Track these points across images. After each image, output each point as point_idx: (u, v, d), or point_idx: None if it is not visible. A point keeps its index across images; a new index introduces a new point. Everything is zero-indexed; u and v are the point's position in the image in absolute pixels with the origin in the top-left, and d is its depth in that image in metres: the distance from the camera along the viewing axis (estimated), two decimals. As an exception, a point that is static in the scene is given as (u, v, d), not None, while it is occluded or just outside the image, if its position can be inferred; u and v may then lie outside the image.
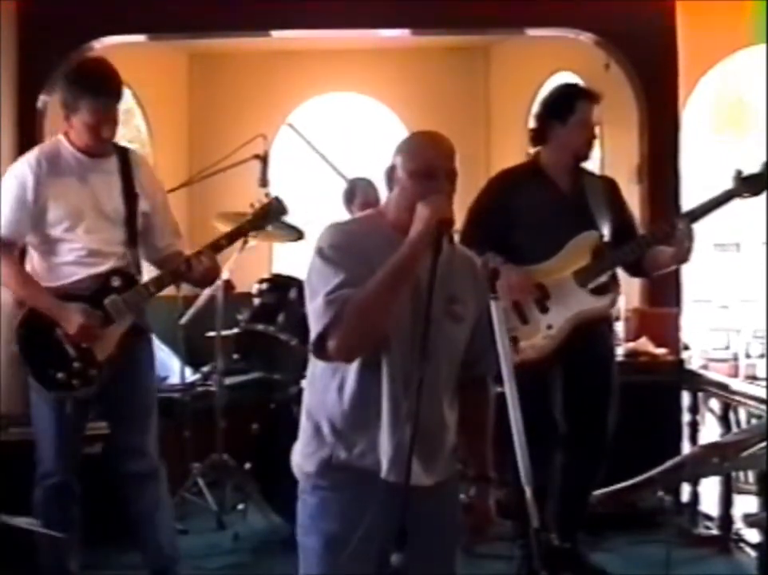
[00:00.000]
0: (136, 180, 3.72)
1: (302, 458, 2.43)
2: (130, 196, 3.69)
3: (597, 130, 4.12)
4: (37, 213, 3.60)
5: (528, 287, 3.94)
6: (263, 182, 4.73)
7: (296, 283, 4.77)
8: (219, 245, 3.69)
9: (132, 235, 3.68)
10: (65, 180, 3.63)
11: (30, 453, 3.71)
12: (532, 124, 4.20)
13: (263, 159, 4.74)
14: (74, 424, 3.69)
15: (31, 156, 3.69)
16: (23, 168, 3.65)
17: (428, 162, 2.35)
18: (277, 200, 3.83)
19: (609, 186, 4.20)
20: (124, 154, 3.74)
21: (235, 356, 5.01)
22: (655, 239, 3.91)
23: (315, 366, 2.42)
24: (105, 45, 5.70)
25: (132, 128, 7.37)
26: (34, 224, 3.62)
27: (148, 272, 3.86)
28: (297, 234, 5.14)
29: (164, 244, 3.78)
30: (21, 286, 3.65)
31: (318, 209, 6.76)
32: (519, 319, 3.94)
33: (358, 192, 5.20)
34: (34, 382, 3.67)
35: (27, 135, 5.47)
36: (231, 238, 3.75)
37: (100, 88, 3.56)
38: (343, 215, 4.94)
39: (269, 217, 3.79)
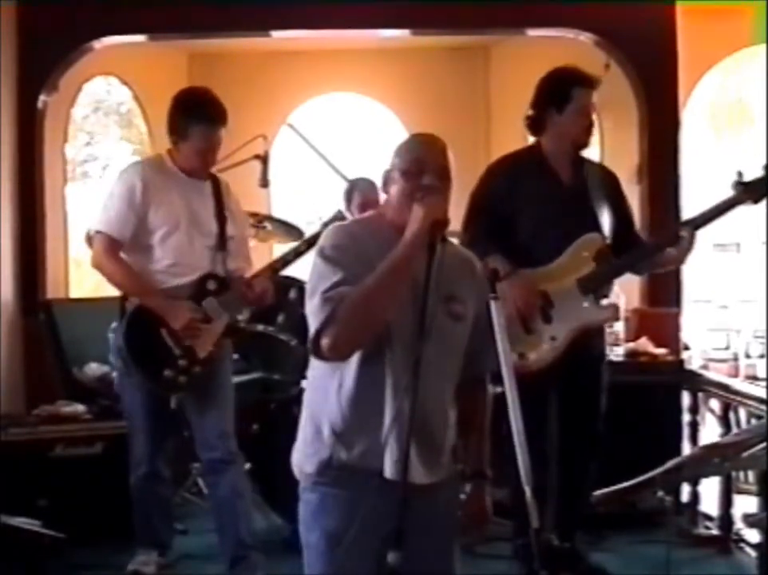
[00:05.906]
0: (225, 205, 3.98)
1: (302, 458, 2.43)
2: (221, 218, 3.95)
3: (596, 125, 4.10)
4: (141, 215, 3.81)
5: (534, 299, 3.90)
6: (264, 182, 4.75)
7: (296, 284, 4.76)
8: (275, 267, 4.03)
9: (222, 252, 3.92)
10: (167, 191, 3.86)
11: (31, 452, 3.71)
12: (529, 111, 4.13)
13: (264, 159, 4.74)
14: (166, 417, 3.95)
15: (137, 164, 4.00)
16: (130, 172, 3.90)
17: (416, 158, 2.38)
18: (338, 211, 4.16)
19: (610, 178, 4.18)
20: (215, 180, 4.00)
21: (235, 356, 5.00)
22: (660, 247, 3.90)
23: (315, 368, 2.43)
24: (105, 45, 5.69)
25: (132, 128, 7.36)
26: (137, 226, 3.81)
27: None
28: (297, 234, 5.13)
29: (235, 267, 3.99)
30: (132, 282, 3.85)
31: (318, 209, 6.75)
32: (522, 329, 3.90)
33: (356, 192, 5.20)
34: (139, 378, 3.86)
35: (27, 135, 5.47)
36: (285, 262, 4.06)
37: (211, 116, 3.83)
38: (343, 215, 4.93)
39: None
